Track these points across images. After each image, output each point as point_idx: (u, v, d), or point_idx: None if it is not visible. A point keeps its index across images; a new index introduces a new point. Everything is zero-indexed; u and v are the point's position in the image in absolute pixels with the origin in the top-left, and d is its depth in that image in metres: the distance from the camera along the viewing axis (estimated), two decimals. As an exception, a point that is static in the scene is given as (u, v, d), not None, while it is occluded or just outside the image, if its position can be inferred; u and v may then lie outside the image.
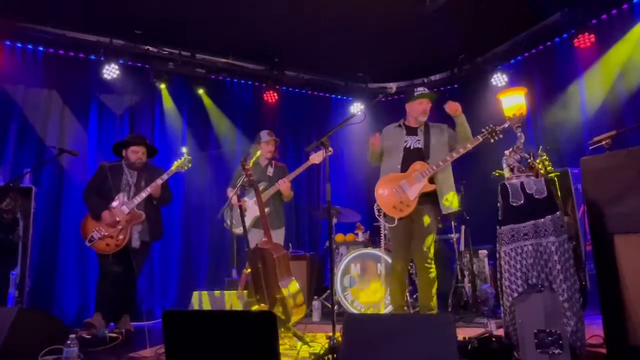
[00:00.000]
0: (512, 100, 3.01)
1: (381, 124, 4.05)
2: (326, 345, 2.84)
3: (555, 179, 3.54)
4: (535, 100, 5.76)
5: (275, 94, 6.45)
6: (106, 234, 4.09)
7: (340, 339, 2.58)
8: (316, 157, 4.33)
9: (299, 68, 6.63)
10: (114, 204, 4.16)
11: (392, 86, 3.52)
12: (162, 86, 5.90)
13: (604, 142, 3.23)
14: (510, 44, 5.90)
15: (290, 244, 5.51)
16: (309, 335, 3.58)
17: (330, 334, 2.89)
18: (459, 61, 6.36)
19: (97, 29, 5.37)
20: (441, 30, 5.42)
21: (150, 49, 5.70)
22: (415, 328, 2.23)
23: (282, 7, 5.11)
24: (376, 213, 3.76)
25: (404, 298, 4.01)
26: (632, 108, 4.77)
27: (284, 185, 4.44)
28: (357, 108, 6.92)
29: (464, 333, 3.14)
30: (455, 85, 6.71)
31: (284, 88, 6.86)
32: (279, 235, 4.48)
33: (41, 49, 5.35)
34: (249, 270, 3.80)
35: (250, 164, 4.12)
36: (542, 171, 2.83)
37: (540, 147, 3.92)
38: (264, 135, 4.64)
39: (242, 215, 3.91)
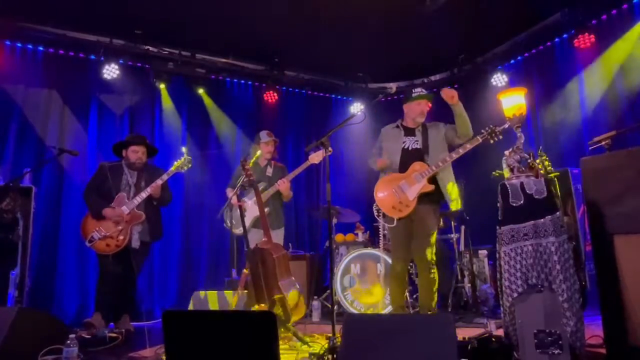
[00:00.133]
0: (512, 101, 3.01)
1: (381, 124, 4.05)
2: (326, 345, 2.83)
3: (555, 179, 3.53)
4: (535, 100, 5.76)
5: (275, 94, 6.45)
6: (106, 234, 4.08)
7: (339, 339, 2.58)
8: (315, 157, 4.33)
9: (299, 68, 6.63)
10: (114, 204, 4.16)
11: (392, 86, 3.51)
12: (162, 86, 5.90)
13: (603, 143, 3.22)
14: (510, 44, 5.90)
15: (290, 244, 5.51)
16: (309, 335, 3.58)
17: (330, 334, 2.89)
18: (459, 61, 6.36)
19: (97, 29, 5.37)
20: (441, 30, 5.42)
21: (150, 49, 5.70)
22: (415, 328, 2.23)
23: (282, 7, 5.11)
24: (375, 213, 3.76)
25: (404, 298, 4.01)
26: (632, 108, 4.77)
27: (284, 185, 4.44)
28: (357, 108, 6.92)
29: (463, 333, 3.14)
30: (455, 86, 6.69)
31: (284, 88, 6.87)
32: (278, 236, 4.48)
33: (41, 48, 5.35)
34: (249, 270, 3.80)
35: (250, 164, 4.13)
36: (542, 171, 2.83)
37: (540, 147, 3.91)
38: (264, 135, 4.64)
39: (242, 216, 3.91)
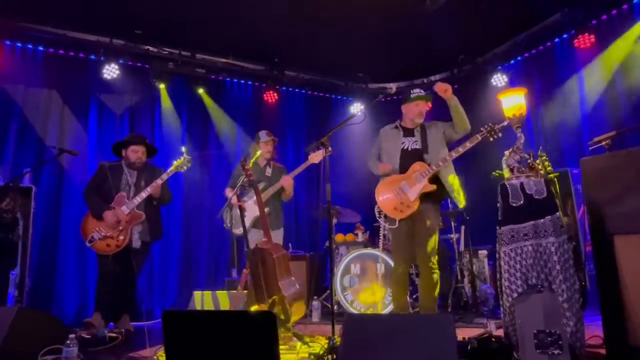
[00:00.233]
0: (512, 101, 3.01)
1: (381, 124, 4.04)
2: (326, 346, 2.83)
3: (555, 179, 3.54)
4: (535, 100, 5.76)
5: (275, 94, 6.45)
6: (106, 234, 4.08)
7: (339, 339, 2.58)
8: (315, 157, 4.33)
9: (299, 68, 6.63)
10: (114, 203, 4.16)
11: (392, 86, 3.52)
12: (162, 86, 5.90)
13: (603, 143, 3.23)
14: (510, 44, 5.89)
15: (290, 244, 5.51)
16: (309, 335, 3.58)
17: (330, 334, 2.89)
18: (459, 61, 6.36)
19: (97, 29, 5.37)
20: (441, 30, 5.42)
21: (150, 49, 5.70)
22: (415, 328, 2.23)
23: (282, 7, 5.11)
24: (377, 215, 3.74)
25: (407, 299, 4.00)
26: (632, 108, 4.77)
27: (288, 182, 4.44)
28: (357, 108, 6.92)
29: (463, 333, 3.14)
30: (455, 86, 6.68)
31: (284, 88, 6.87)
32: (277, 236, 4.48)
33: (41, 48, 5.35)
34: (249, 270, 3.80)
35: (250, 164, 4.13)
36: (541, 171, 2.83)
37: (540, 147, 3.92)
38: (263, 135, 4.64)
39: (242, 216, 3.91)
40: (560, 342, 2.34)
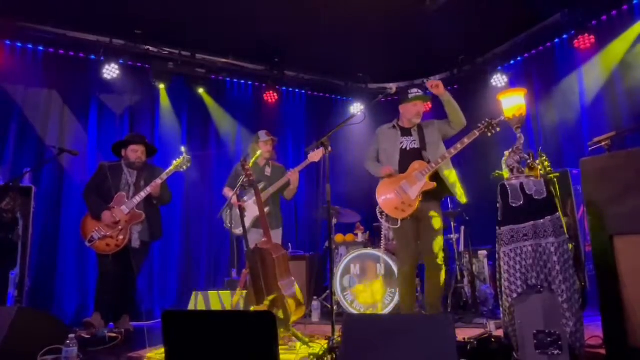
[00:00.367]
0: (511, 101, 3.01)
1: (381, 125, 4.04)
2: (325, 346, 2.83)
3: (555, 179, 3.54)
4: (535, 101, 5.76)
5: (275, 94, 6.45)
6: (106, 234, 4.09)
7: (339, 339, 2.58)
8: (315, 156, 4.33)
9: (299, 68, 6.63)
10: (114, 203, 4.16)
11: (392, 87, 3.51)
12: (162, 86, 5.90)
13: (603, 143, 3.23)
14: (510, 44, 5.90)
15: (290, 244, 5.50)
16: (309, 335, 3.58)
17: (330, 334, 2.89)
18: (459, 62, 6.36)
19: (97, 28, 5.37)
20: (441, 30, 5.42)
21: (150, 49, 5.70)
22: (414, 328, 2.23)
23: (282, 7, 5.11)
24: (379, 216, 3.73)
25: (414, 300, 3.96)
26: (632, 108, 4.77)
27: (295, 176, 4.43)
28: (357, 108, 6.91)
29: (463, 333, 3.14)
30: (455, 86, 6.70)
31: (284, 88, 6.87)
32: (276, 236, 4.47)
33: (41, 48, 5.35)
34: (249, 270, 3.80)
35: (250, 164, 4.13)
36: (541, 172, 2.83)
37: (540, 147, 3.91)
38: (263, 135, 4.64)
39: (242, 216, 3.91)
40: (559, 343, 2.33)
